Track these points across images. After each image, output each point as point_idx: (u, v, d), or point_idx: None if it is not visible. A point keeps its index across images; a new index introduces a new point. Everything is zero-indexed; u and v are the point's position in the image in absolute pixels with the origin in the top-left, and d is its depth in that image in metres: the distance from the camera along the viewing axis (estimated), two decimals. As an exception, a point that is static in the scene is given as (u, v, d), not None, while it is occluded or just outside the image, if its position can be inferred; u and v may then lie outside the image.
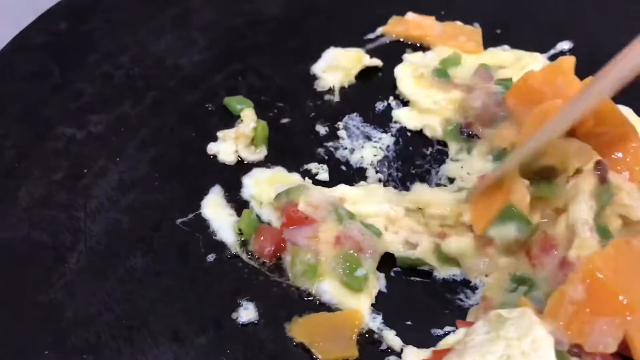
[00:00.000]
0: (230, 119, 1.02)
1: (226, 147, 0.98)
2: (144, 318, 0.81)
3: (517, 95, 0.95)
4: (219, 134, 0.99)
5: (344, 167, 0.98)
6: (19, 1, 1.24)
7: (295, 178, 0.94)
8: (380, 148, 0.99)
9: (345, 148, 0.99)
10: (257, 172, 0.96)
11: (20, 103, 1.03)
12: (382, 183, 0.95)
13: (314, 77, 1.08)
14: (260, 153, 0.98)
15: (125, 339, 0.79)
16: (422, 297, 0.85)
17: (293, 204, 0.85)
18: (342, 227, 0.83)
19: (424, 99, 1.02)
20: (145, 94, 1.05)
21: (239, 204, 0.93)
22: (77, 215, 0.90)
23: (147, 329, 0.80)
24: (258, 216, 0.90)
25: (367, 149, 0.99)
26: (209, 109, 1.04)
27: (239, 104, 1.03)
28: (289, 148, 1.00)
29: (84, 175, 0.95)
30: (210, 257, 0.87)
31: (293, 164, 0.97)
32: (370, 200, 0.89)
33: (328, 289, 0.82)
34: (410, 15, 1.15)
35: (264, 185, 0.92)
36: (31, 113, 1.02)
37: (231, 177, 0.95)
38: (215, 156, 0.98)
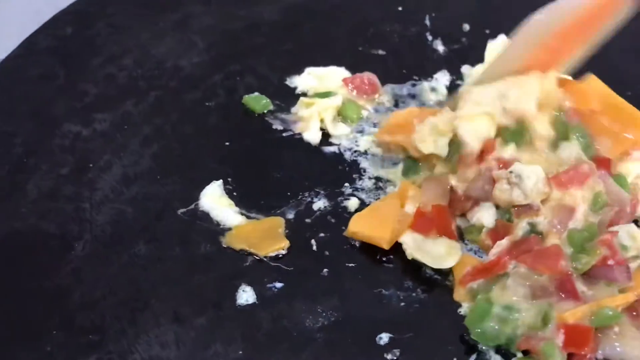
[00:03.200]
0: (230, 115, 1.07)
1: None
2: (147, 301, 0.85)
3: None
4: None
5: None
6: (24, 9, 1.29)
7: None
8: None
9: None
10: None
11: (28, 103, 1.07)
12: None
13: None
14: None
15: (129, 320, 0.83)
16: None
17: None
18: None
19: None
20: (147, 93, 1.10)
21: (239, 194, 0.97)
22: (83, 207, 0.95)
23: (149, 310, 0.84)
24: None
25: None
26: (208, 105, 1.08)
27: (259, 101, 1.08)
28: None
29: (90, 169, 0.99)
30: (210, 245, 0.91)
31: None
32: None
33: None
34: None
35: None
36: (39, 112, 1.06)
37: (228, 169, 1.00)
38: (216, 150, 1.03)
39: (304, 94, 1.10)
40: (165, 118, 1.07)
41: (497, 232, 0.87)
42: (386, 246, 0.88)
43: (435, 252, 0.87)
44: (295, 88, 1.12)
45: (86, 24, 1.20)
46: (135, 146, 1.03)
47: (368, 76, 1.10)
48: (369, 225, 0.89)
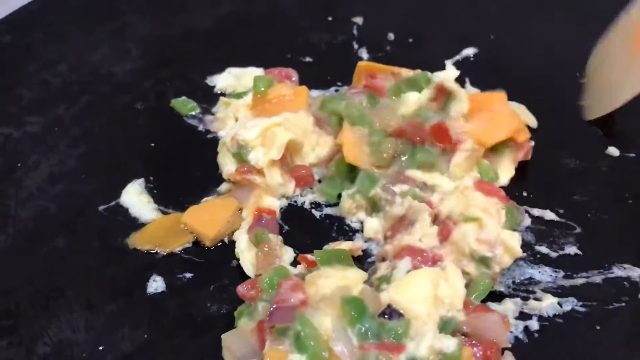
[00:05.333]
0: (158, 118, 1.12)
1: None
2: (62, 290, 0.90)
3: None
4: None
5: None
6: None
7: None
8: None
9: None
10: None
11: (-38, 108, 1.13)
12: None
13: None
14: None
15: (43, 307, 0.88)
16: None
17: None
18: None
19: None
20: (80, 98, 1.15)
21: (160, 192, 1.02)
22: (7, 203, 1.00)
23: (63, 298, 0.89)
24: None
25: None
26: (138, 108, 1.14)
27: (185, 104, 1.14)
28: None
29: (18, 168, 1.05)
30: (127, 239, 0.96)
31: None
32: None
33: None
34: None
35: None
36: (-28, 116, 1.12)
37: (151, 169, 1.05)
38: (142, 151, 1.08)
39: (223, 94, 1.16)
40: (95, 121, 1.12)
41: None
42: (209, 243, 0.94)
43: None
44: (214, 86, 1.18)
45: (24, 32, 1.25)
46: (64, 147, 1.08)
47: (287, 71, 1.15)
48: (200, 219, 0.95)
